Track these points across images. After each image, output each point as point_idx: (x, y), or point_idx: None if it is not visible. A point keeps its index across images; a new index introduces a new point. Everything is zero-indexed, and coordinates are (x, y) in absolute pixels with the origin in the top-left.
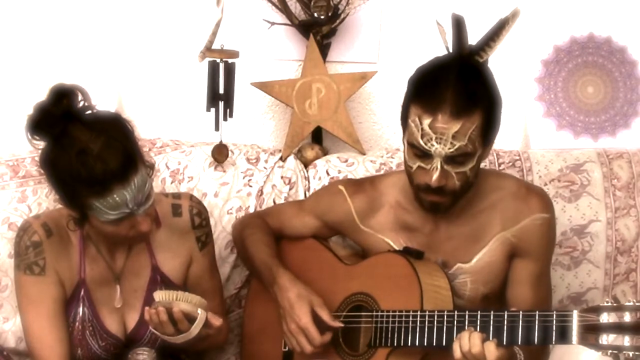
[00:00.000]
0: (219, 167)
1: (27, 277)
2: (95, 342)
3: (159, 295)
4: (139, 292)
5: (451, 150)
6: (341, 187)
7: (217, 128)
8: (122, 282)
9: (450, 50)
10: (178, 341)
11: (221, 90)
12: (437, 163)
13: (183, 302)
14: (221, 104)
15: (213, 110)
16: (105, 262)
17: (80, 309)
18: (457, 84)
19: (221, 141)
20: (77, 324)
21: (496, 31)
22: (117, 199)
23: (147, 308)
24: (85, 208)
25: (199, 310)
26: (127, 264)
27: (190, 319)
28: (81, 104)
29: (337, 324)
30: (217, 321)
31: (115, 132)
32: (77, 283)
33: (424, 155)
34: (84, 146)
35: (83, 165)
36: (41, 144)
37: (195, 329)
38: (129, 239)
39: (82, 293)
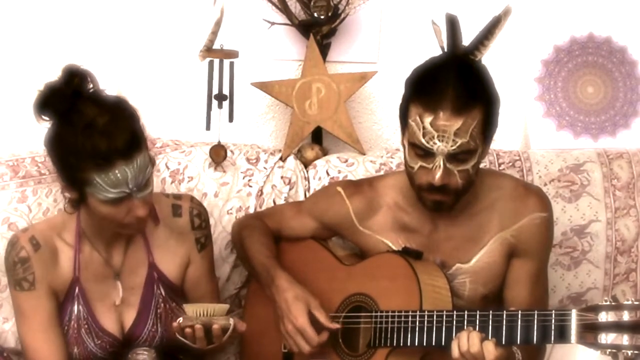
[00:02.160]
0: (219, 167)
1: (17, 293)
2: (91, 340)
3: (193, 310)
4: (136, 290)
5: (453, 147)
6: (339, 189)
7: (208, 128)
8: (122, 280)
9: (445, 50)
10: (205, 348)
11: (221, 91)
12: (440, 161)
13: (219, 316)
14: (225, 104)
15: (210, 110)
16: (101, 260)
17: (75, 307)
18: (456, 82)
19: (219, 142)
20: (72, 322)
21: (489, 30)
22: (119, 175)
23: (179, 323)
24: (86, 185)
25: (231, 320)
26: (125, 261)
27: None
28: (90, 86)
29: (334, 325)
30: (242, 326)
31: (122, 111)
32: (71, 282)
33: (426, 154)
34: (90, 121)
35: (89, 138)
36: (48, 124)
37: (226, 338)
38: (123, 227)
39: (76, 291)
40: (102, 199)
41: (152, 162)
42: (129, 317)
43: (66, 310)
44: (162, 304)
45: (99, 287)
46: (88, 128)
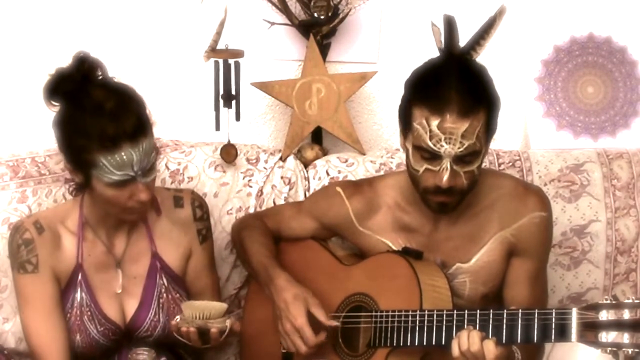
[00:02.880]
0: (218, 167)
1: (21, 275)
2: (94, 327)
3: (190, 312)
4: (138, 279)
5: (461, 149)
6: (339, 189)
7: (217, 128)
8: (123, 269)
9: (443, 51)
10: (200, 347)
11: (229, 91)
12: (447, 164)
13: (215, 319)
14: (232, 104)
15: (219, 110)
16: (104, 248)
17: (78, 294)
18: (460, 83)
19: (229, 141)
20: (75, 309)
21: (485, 29)
22: (125, 157)
23: (177, 322)
24: (91, 167)
25: (228, 322)
26: (127, 250)
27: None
28: (99, 73)
29: (333, 323)
30: (238, 327)
31: (130, 97)
32: (74, 268)
33: (433, 156)
34: (99, 103)
35: (97, 120)
36: (56, 109)
37: (223, 339)
38: (125, 211)
39: (79, 278)
40: (107, 181)
41: (156, 150)
42: (131, 306)
43: (68, 297)
44: (165, 294)
45: (101, 276)
46: (97, 110)
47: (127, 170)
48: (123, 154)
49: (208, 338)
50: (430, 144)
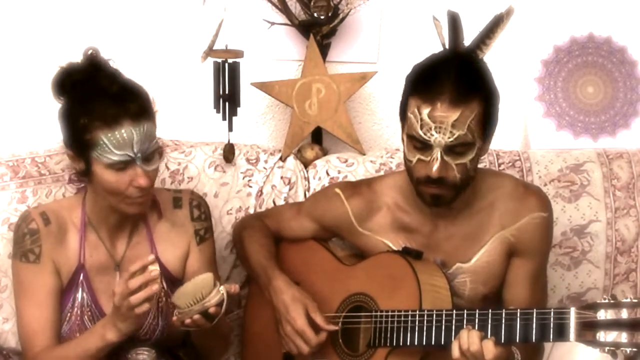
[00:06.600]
0: (218, 167)
1: (22, 264)
2: None
3: (184, 302)
4: None
5: (450, 139)
6: (338, 190)
7: (230, 128)
8: (122, 271)
9: (447, 47)
10: (211, 325)
11: (231, 91)
12: (437, 153)
13: (210, 296)
14: (227, 104)
15: (222, 111)
16: (105, 250)
17: (79, 294)
18: (455, 74)
19: (229, 141)
20: (76, 309)
21: (491, 29)
22: (125, 135)
23: (177, 317)
24: (92, 147)
25: (222, 289)
26: (128, 252)
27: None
28: (108, 67)
29: (332, 327)
30: (236, 289)
31: (135, 86)
32: (76, 268)
33: (424, 146)
34: (104, 87)
35: (101, 101)
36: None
37: (225, 309)
38: (125, 200)
39: (81, 278)
40: (107, 161)
41: (160, 153)
42: None
43: (69, 297)
44: (164, 298)
45: (102, 277)
46: (101, 93)
47: (127, 150)
48: (124, 131)
49: (212, 315)
50: (420, 132)
